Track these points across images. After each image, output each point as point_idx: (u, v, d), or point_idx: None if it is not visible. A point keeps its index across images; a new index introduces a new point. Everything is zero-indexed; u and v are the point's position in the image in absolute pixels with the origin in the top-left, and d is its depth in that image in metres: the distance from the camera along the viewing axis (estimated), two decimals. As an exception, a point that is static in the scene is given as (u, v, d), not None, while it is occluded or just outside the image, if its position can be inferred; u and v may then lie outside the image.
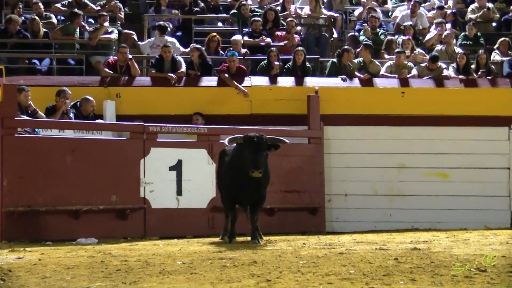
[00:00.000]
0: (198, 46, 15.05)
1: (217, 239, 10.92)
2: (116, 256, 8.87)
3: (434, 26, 16.85)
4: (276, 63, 14.97)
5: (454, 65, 15.43)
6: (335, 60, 15.23)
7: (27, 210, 11.74)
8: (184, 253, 9.02)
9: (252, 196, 10.65)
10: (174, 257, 8.47)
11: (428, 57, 15.61)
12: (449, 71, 15.37)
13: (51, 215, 12.02)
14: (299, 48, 15.44)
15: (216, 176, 11.86)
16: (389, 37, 16.35)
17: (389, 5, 17.87)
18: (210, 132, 12.85)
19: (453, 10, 17.59)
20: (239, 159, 10.57)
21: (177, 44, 15.27)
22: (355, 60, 15.34)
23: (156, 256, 8.77)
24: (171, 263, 7.87)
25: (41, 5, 15.64)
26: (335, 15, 17.41)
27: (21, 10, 15.36)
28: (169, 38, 15.31)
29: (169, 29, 15.96)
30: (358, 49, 15.71)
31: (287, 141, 11.06)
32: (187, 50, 15.17)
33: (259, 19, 16.42)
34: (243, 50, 15.49)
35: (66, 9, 15.88)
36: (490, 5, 17.31)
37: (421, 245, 9.61)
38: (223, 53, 15.46)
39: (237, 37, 15.73)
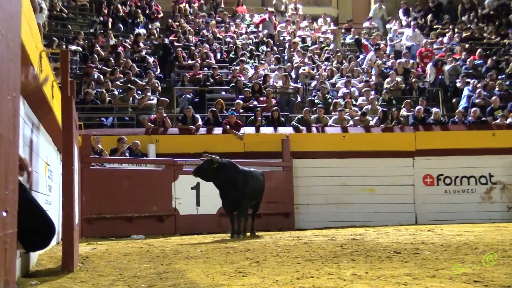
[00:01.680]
0: (213, 109, 15.18)
1: (223, 235, 10.88)
2: (157, 246, 8.90)
3: (363, 92, 17.01)
4: (259, 118, 15.11)
5: (376, 118, 15.58)
6: (299, 116, 15.36)
7: (98, 217, 11.84)
8: (202, 244, 9.06)
9: (234, 206, 10.67)
10: (195, 247, 8.49)
11: (360, 113, 15.76)
12: (373, 122, 15.54)
13: (114, 220, 12.07)
14: (275, 108, 15.57)
15: None
16: (335, 100, 16.48)
17: (334, 79, 17.98)
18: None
19: (375, 82, 17.74)
20: None
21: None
22: (313, 116, 15.49)
23: (183, 246, 8.81)
24: (193, 251, 7.91)
25: (109, 82, 15.75)
26: (299, 86, 17.52)
27: (93, 85, 15.46)
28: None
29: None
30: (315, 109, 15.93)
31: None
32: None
33: (248, 89, 16.54)
34: (241, 110, 15.62)
35: (123, 85, 15.97)
36: (398, 78, 17.49)
37: (358, 236, 9.63)
38: (226, 112, 15.56)
39: (238, 101, 15.81)
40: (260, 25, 21.31)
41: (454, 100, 17.45)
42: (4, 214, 1.42)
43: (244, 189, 10.64)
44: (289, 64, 18.80)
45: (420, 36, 20.45)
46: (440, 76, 18.22)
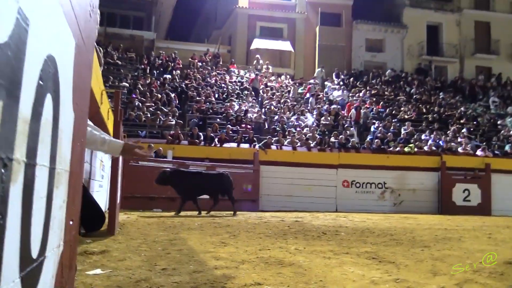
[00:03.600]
0: (212, 135, 15.08)
1: (213, 212, 10.74)
2: (169, 219, 8.77)
3: (307, 125, 17.04)
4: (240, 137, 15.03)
5: (315, 142, 15.61)
6: (264, 141, 15.22)
7: (132, 195, 11.60)
8: (198, 218, 8.95)
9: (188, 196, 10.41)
10: (194, 221, 8.40)
11: (304, 138, 15.77)
12: (313, 144, 15.55)
13: (142, 198, 11.88)
14: (250, 131, 15.51)
15: None
16: (288, 129, 16.47)
17: (290, 115, 18.03)
18: (211, 166, 12.84)
19: (315, 119, 17.80)
20: None
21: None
22: (274, 139, 15.40)
23: (186, 219, 8.68)
24: (193, 224, 7.77)
25: (144, 108, 15.60)
26: (267, 118, 17.50)
27: (136, 109, 15.29)
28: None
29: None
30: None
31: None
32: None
33: (234, 118, 16.50)
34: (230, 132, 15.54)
35: (153, 110, 15.81)
36: (330, 118, 17.52)
37: (299, 219, 9.55)
38: (219, 132, 15.43)
39: (228, 125, 15.73)
40: (245, 78, 21.29)
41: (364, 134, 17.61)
42: (71, 222, 1.34)
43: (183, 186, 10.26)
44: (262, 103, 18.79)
45: (346, 95, 20.56)
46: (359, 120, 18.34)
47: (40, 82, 0.80)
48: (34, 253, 0.89)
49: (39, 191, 0.88)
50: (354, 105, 18.97)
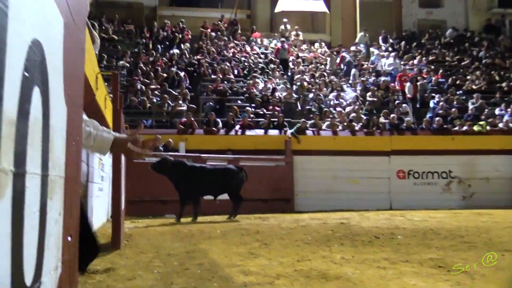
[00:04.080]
0: (232, 121, 15.13)
1: (238, 217, 10.80)
2: (185, 226, 8.89)
3: (350, 103, 16.96)
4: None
5: (360, 124, 15.53)
6: (298, 125, 15.14)
7: (138, 200, 11.80)
8: (220, 224, 9.04)
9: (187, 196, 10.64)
10: (215, 227, 8.46)
11: (347, 119, 15.69)
12: (358, 127, 15.47)
13: (151, 202, 12.06)
14: (280, 115, 15.51)
15: None
16: (325, 109, 16.41)
17: (328, 91, 17.92)
18: (234, 159, 12.92)
19: (359, 94, 17.67)
20: None
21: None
22: (309, 122, 15.35)
23: (206, 226, 8.78)
24: (214, 231, 7.85)
25: (149, 91, 15.76)
26: (299, 97, 17.45)
27: (139, 94, 15.48)
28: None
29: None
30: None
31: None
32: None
33: (259, 99, 16.53)
34: (252, 115, 15.56)
35: (160, 94, 15.97)
36: (379, 93, 17.36)
37: (345, 220, 9.50)
38: (240, 116, 15.49)
39: (248, 108, 15.76)
40: (270, 48, 21.25)
41: (421, 111, 17.38)
42: (69, 238, 1.37)
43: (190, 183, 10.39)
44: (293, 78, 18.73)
45: (398, 64, 20.27)
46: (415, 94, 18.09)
47: (26, 73, 0.82)
48: (28, 279, 0.91)
49: (30, 205, 0.90)
50: (408, 75, 18.71)
